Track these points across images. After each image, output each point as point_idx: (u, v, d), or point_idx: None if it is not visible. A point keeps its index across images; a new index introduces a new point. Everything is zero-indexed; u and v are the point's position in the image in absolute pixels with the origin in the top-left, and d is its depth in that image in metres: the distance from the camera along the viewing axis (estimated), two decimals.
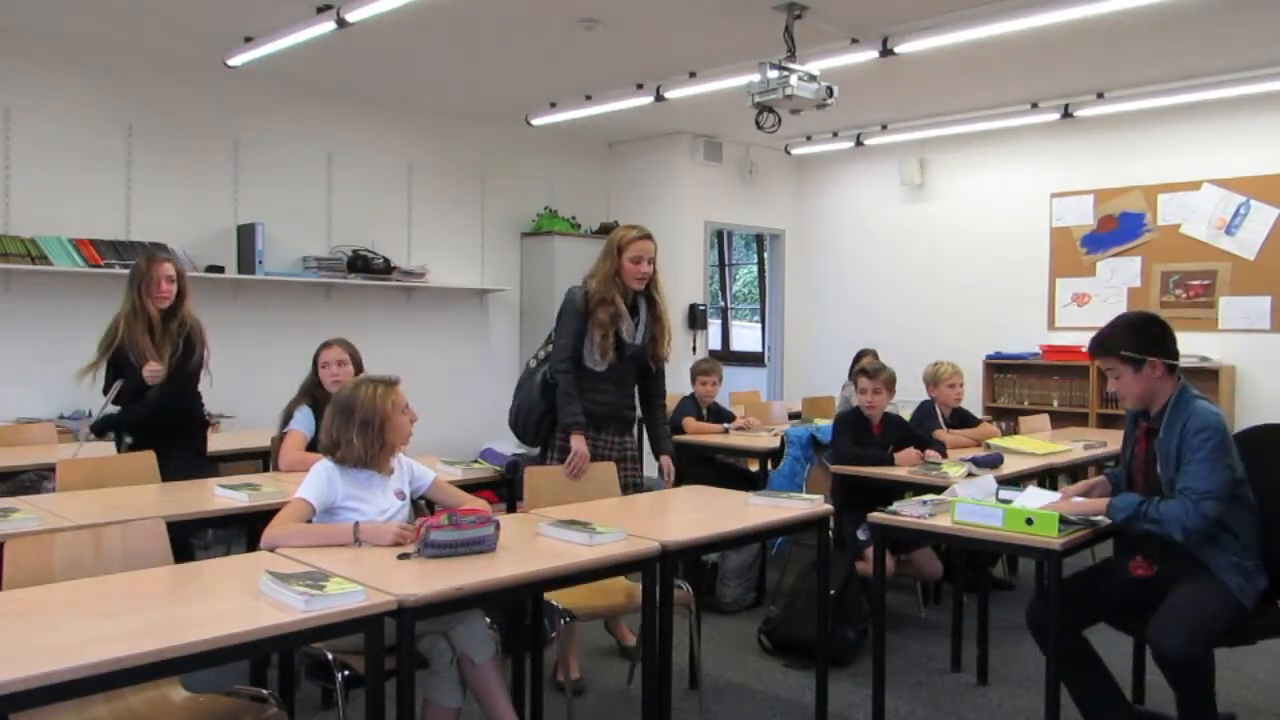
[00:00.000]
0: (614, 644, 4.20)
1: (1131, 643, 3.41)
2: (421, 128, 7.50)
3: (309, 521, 2.83)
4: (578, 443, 3.81)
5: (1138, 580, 3.07)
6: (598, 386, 3.94)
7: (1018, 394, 7.66)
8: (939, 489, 3.75)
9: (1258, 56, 5.98)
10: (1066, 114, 7.02)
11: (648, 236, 3.95)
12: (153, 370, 4.03)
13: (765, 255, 10.14)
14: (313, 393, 4.11)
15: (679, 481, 5.18)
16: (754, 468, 5.50)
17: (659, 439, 4.17)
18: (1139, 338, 3.03)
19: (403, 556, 2.62)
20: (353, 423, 2.94)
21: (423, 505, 3.38)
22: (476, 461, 4.43)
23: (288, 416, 4.09)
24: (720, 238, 12.26)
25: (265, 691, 2.61)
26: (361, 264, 6.92)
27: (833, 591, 3.95)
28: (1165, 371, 3.01)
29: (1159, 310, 7.11)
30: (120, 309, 4.14)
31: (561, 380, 3.90)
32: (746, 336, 12.73)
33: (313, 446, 3.99)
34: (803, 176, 9.32)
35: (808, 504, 3.50)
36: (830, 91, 5.11)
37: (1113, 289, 7.38)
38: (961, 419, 5.24)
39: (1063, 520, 2.95)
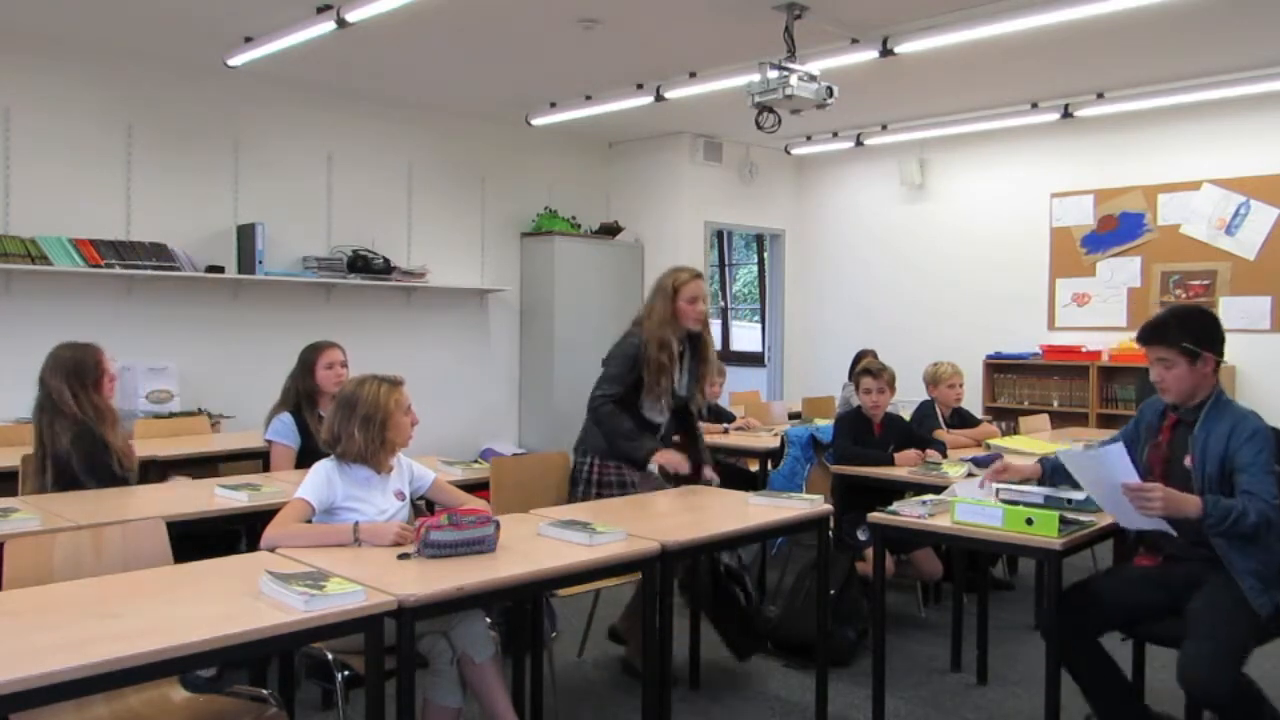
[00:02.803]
0: (615, 645, 4.19)
1: (1132, 642, 3.41)
2: (421, 128, 7.50)
3: (309, 521, 2.83)
4: (664, 458, 3.77)
5: (1147, 577, 3.04)
6: (645, 431, 3.86)
7: (1018, 394, 7.66)
8: (939, 489, 3.75)
9: (1258, 56, 5.98)
10: (1066, 114, 7.02)
11: (700, 276, 3.90)
12: None
13: (765, 255, 10.15)
14: (297, 397, 4.12)
15: (678, 482, 5.18)
16: (754, 468, 5.50)
17: (702, 452, 4.07)
18: (1200, 331, 2.99)
19: (403, 556, 2.62)
20: (355, 417, 2.95)
21: (423, 505, 3.38)
22: (476, 461, 4.43)
23: (269, 422, 4.13)
24: (720, 238, 12.27)
25: (265, 691, 2.61)
26: (361, 264, 6.92)
27: (833, 591, 3.95)
28: (1215, 368, 2.99)
29: (1159, 310, 7.13)
30: None
31: (608, 418, 3.77)
32: (746, 336, 12.73)
33: (301, 454, 4.01)
34: (803, 176, 9.32)
35: (808, 504, 3.50)
36: (830, 91, 5.11)
37: (1113, 289, 7.38)
38: (961, 419, 5.24)
39: (1063, 520, 2.95)
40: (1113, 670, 3.03)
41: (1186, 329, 2.99)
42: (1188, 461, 2.96)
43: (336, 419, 2.99)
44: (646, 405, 3.85)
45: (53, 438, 3.52)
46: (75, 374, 3.57)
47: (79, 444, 3.51)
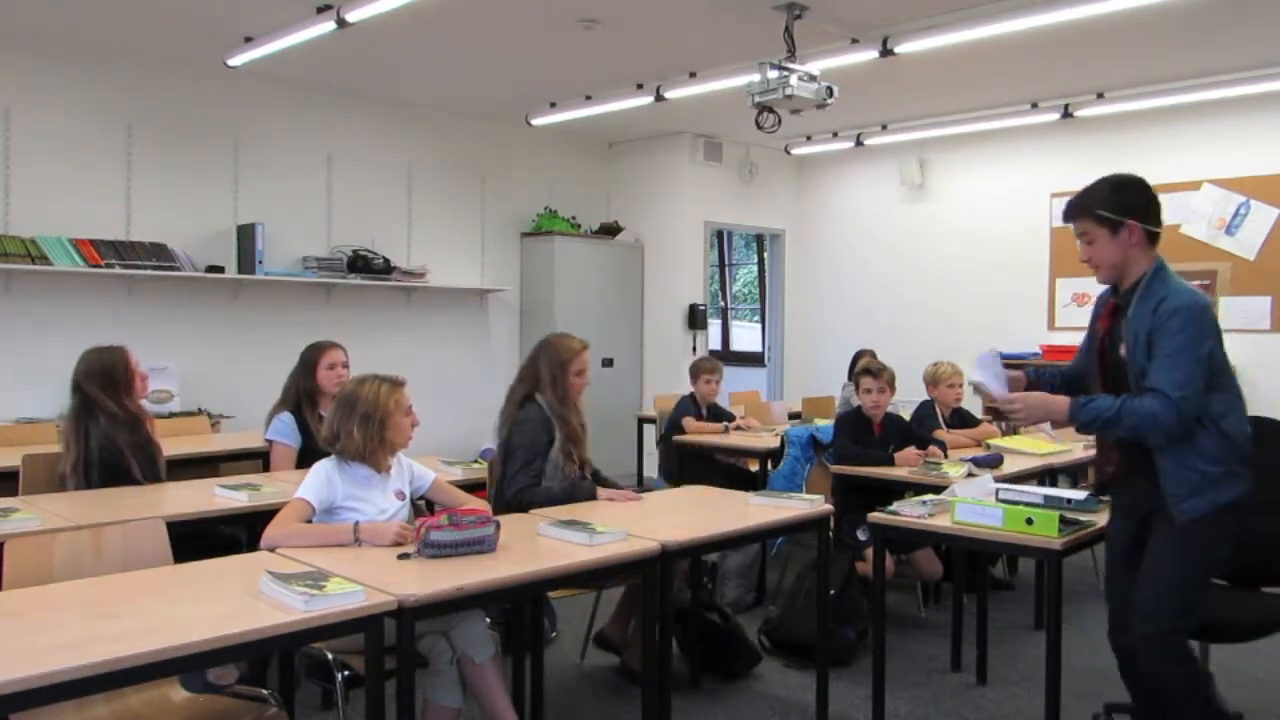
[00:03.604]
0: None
1: None
2: (421, 128, 7.50)
3: (309, 521, 2.84)
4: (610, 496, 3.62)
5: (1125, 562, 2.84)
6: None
7: None
8: (939, 489, 3.75)
9: (1258, 56, 5.98)
10: (1066, 114, 7.02)
11: (588, 346, 3.77)
12: None
13: (765, 255, 10.15)
14: (298, 396, 4.12)
15: (679, 481, 5.19)
16: (754, 468, 5.50)
17: (609, 480, 3.89)
18: (1119, 197, 2.70)
19: (403, 556, 2.62)
20: (354, 415, 2.96)
21: (423, 505, 3.38)
22: (476, 461, 4.43)
23: (269, 421, 4.13)
24: (720, 238, 12.27)
25: (265, 691, 2.61)
26: (361, 264, 6.92)
27: (833, 591, 3.95)
28: (1144, 239, 2.69)
29: None
30: None
31: (539, 496, 3.51)
32: (746, 336, 12.74)
33: (302, 454, 4.01)
34: (803, 176, 9.32)
35: (808, 504, 3.50)
36: (830, 91, 5.11)
37: None
38: (961, 419, 5.24)
39: (1063, 520, 2.95)
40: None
41: (1102, 196, 2.71)
42: (1122, 351, 2.71)
43: (336, 417, 3.00)
44: (550, 475, 3.61)
45: (100, 437, 3.58)
46: (108, 378, 3.63)
47: (131, 434, 3.62)
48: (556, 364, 3.68)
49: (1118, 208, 2.69)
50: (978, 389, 2.97)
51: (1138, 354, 2.65)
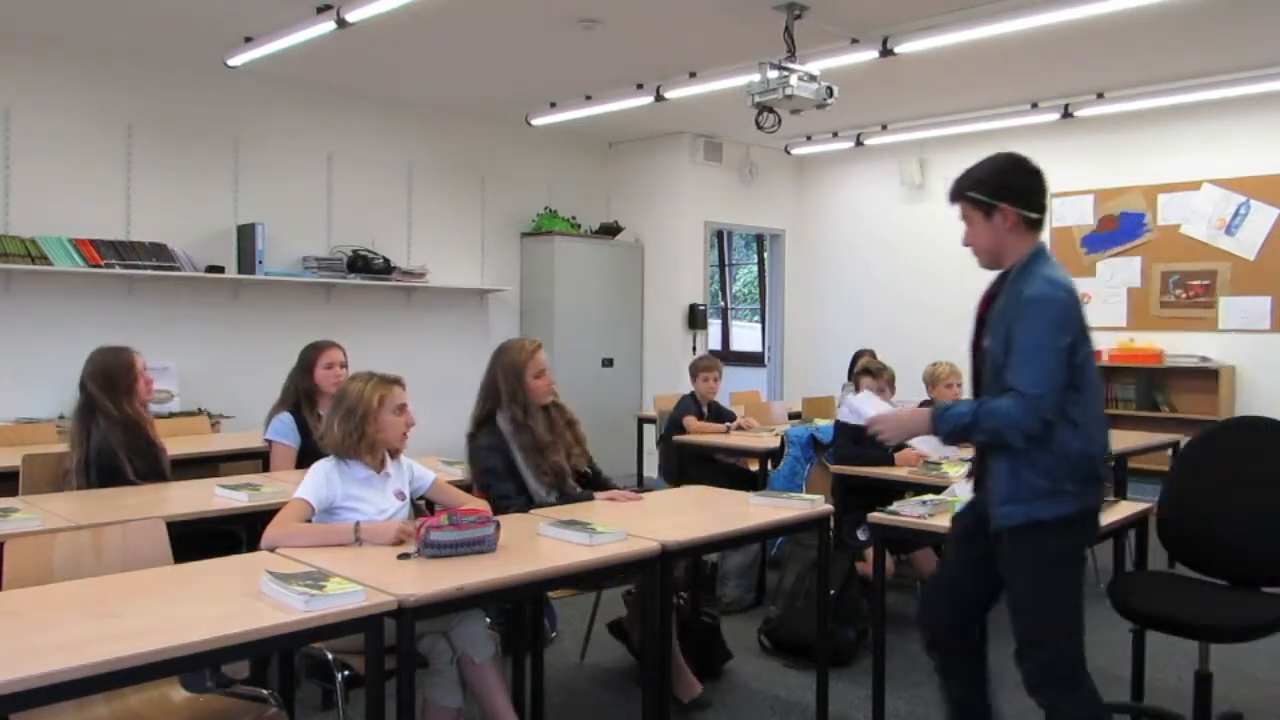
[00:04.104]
0: (616, 646, 4.19)
1: (1130, 640, 3.41)
2: (421, 128, 7.50)
3: (308, 521, 2.84)
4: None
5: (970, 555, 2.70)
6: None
7: None
8: (939, 489, 3.75)
9: (1258, 56, 5.98)
10: (1066, 114, 7.02)
11: (541, 345, 3.65)
12: None
13: (765, 255, 10.15)
14: (297, 396, 4.13)
15: (679, 481, 5.19)
16: (754, 468, 5.50)
17: (610, 481, 3.84)
18: (995, 180, 2.59)
19: (403, 556, 2.62)
20: (338, 410, 3.00)
21: (423, 505, 3.38)
22: None
23: (269, 421, 4.14)
24: (720, 238, 12.28)
25: (265, 691, 2.61)
26: (361, 264, 6.92)
27: (833, 591, 3.95)
28: (1020, 224, 2.56)
29: (1159, 310, 7.14)
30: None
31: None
32: (746, 336, 12.75)
33: (301, 453, 4.01)
34: (803, 176, 9.32)
35: (808, 504, 3.50)
36: (830, 91, 5.11)
37: (1113, 289, 7.38)
38: None
39: None
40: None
41: (977, 179, 2.61)
42: (987, 343, 2.58)
43: (328, 413, 3.08)
44: (534, 489, 3.51)
45: (99, 438, 3.59)
46: (110, 380, 3.64)
47: (127, 435, 3.61)
48: (512, 373, 3.55)
49: (992, 191, 2.58)
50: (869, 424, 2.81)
51: (997, 347, 2.51)
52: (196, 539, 2.91)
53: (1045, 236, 8.35)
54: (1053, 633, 2.49)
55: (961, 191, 2.62)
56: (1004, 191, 2.57)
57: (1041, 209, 2.61)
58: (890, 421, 2.67)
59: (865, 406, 2.79)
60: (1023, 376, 2.40)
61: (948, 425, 2.53)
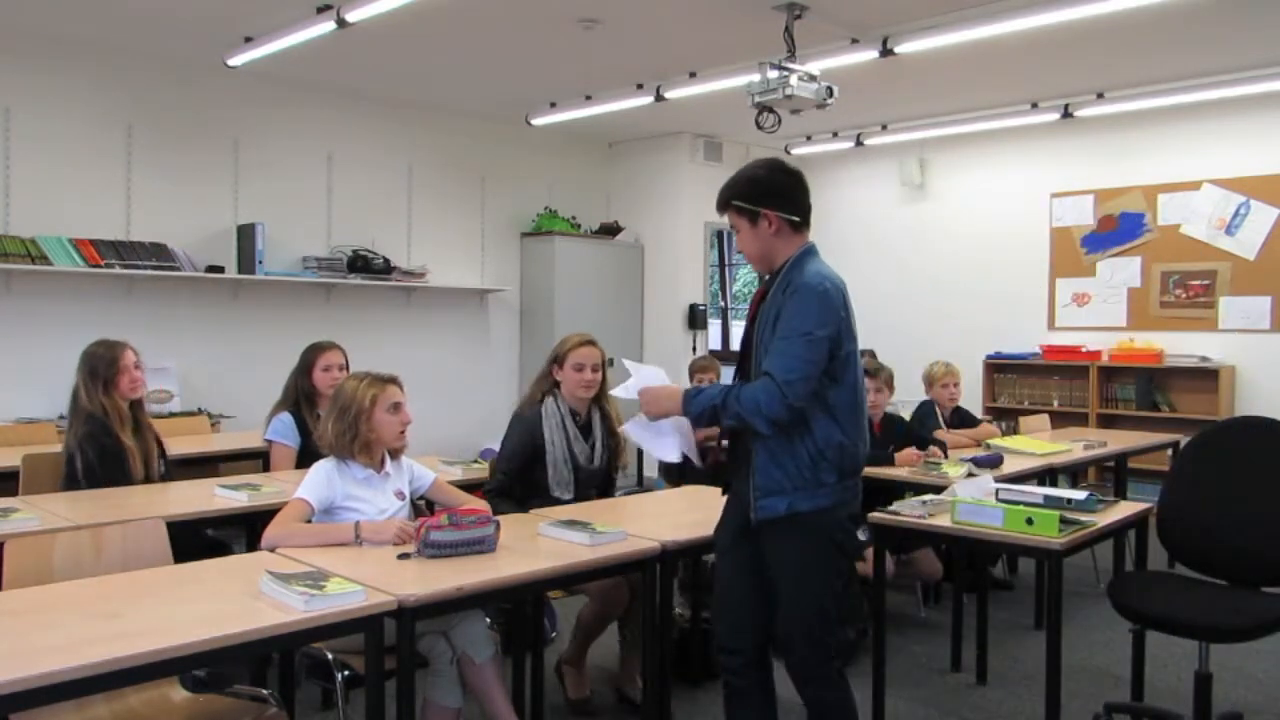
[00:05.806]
0: (614, 646, 4.18)
1: (1130, 640, 3.41)
2: (421, 128, 7.50)
3: (308, 521, 2.84)
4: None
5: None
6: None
7: (1018, 394, 7.66)
8: (939, 489, 3.75)
9: (1258, 56, 5.98)
10: (1066, 114, 7.02)
11: (591, 342, 3.68)
12: None
13: None
14: (297, 396, 4.13)
15: (679, 481, 5.18)
16: None
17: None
18: (755, 187, 2.61)
19: (403, 556, 2.62)
20: (333, 410, 3.02)
21: (423, 505, 3.38)
22: (476, 461, 4.43)
23: (269, 422, 4.14)
24: (720, 238, 12.25)
25: (265, 691, 2.61)
26: (361, 264, 6.92)
27: None
28: (785, 227, 2.59)
29: (1159, 310, 7.14)
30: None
31: (500, 501, 3.50)
32: None
33: (301, 454, 4.01)
34: None
35: None
36: (830, 91, 5.11)
37: (1113, 289, 7.38)
38: (962, 419, 5.24)
39: (1063, 520, 2.95)
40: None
41: (738, 188, 2.63)
42: (758, 336, 2.62)
43: (325, 413, 3.11)
44: (553, 484, 3.58)
45: (71, 436, 3.57)
46: (92, 371, 3.61)
47: (89, 443, 3.53)
48: (555, 359, 3.70)
49: (754, 198, 2.60)
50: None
51: (766, 336, 2.53)
52: (187, 552, 2.82)
53: (1044, 236, 8.30)
54: (818, 625, 2.54)
55: (726, 201, 2.66)
56: (765, 198, 2.60)
57: (804, 210, 2.64)
58: (647, 395, 2.67)
59: (643, 379, 2.72)
60: (777, 363, 2.44)
61: (698, 407, 2.55)
